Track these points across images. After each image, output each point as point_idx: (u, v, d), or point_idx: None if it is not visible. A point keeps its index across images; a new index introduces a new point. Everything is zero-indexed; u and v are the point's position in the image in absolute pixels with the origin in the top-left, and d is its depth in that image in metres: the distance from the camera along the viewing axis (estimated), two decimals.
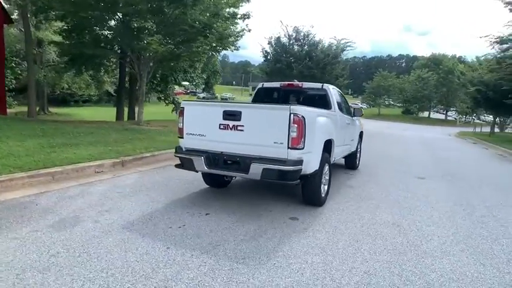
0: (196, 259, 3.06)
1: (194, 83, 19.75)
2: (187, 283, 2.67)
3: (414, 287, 2.83)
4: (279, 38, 26.13)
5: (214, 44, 11.19)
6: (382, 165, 8.66)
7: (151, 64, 11.28)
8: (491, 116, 29.85)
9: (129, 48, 10.67)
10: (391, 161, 9.63)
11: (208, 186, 5.51)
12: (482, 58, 24.56)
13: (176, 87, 23.80)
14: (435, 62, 50.86)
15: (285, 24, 30.09)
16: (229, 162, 4.25)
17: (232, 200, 4.91)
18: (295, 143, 3.89)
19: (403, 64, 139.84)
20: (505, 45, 16.51)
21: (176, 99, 19.32)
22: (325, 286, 2.75)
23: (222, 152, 4.27)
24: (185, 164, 4.47)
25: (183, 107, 4.54)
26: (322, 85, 6.02)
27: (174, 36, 10.41)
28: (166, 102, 19.34)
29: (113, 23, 11.74)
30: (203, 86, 18.96)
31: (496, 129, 27.04)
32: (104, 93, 37.69)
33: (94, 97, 38.94)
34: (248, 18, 11.10)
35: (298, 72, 23.95)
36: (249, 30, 11.92)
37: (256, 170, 3.96)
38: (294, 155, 3.92)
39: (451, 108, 51.39)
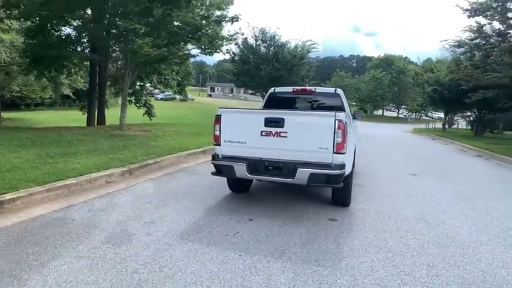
0: (275, 264, 3.16)
1: (165, 85, 19.22)
2: None
3: (474, 276, 3.15)
4: (246, 39, 26.34)
5: (204, 47, 11.09)
6: (372, 164, 9.18)
7: (133, 66, 10.91)
8: (438, 113, 32.74)
9: (118, 50, 10.25)
10: (376, 159, 10.22)
11: (230, 191, 5.55)
12: (436, 59, 26.93)
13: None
14: (387, 63, 54.20)
15: (252, 26, 30.38)
16: (270, 168, 4.35)
17: (263, 204, 5.01)
18: (340, 148, 4.11)
19: (354, 64, 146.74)
20: (461, 49, 18.17)
21: (148, 103, 18.75)
22: (405, 280, 2.99)
23: (262, 158, 4.36)
24: (224, 171, 4.50)
25: (220, 115, 4.56)
26: (335, 90, 6.29)
27: (162, 38, 10.17)
28: (138, 105, 18.67)
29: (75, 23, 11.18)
30: (175, 88, 18.35)
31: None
32: (58, 96, 35.30)
33: (47, 100, 36.34)
34: (237, 21, 11.15)
35: (267, 73, 24.34)
36: (242, 34, 11.96)
37: (302, 175, 4.11)
38: (339, 159, 4.13)
39: (402, 106, 55.05)
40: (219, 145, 4.59)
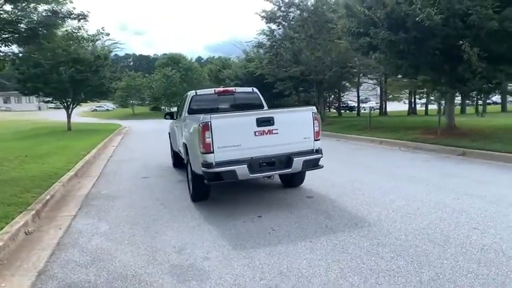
0: (359, 260, 3.71)
1: None
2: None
3: None
4: None
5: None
6: None
7: None
8: None
9: None
10: None
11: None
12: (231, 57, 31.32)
13: None
14: (174, 61, 56.70)
15: None
16: (268, 163, 4.73)
17: (245, 200, 5.29)
18: (318, 135, 5.01)
19: (131, 63, 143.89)
20: (261, 50, 22.03)
21: None
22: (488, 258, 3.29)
23: (259, 156, 4.67)
24: (225, 176, 4.49)
25: (209, 121, 4.45)
26: (252, 89, 6.96)
27: None
28: None
29: None
30: None
31: None
32: None
33: None
34: (84, 19, 9.29)
35: (68, 77, 20.90)
36: (108, 34, 9.87)
37: (298, 164, 4.77)
38: (317, 145, 5.02)
39: None
40: (212, 152, 4.50)
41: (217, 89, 6.77)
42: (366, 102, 47.61)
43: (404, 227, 4.04)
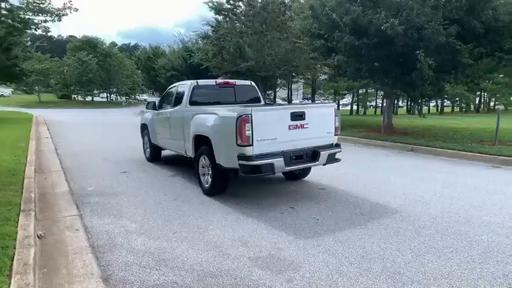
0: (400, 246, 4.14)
1: None
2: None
3: None
4: None
5: None
6: None
7: None
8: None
9: None
10: None
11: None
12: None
13: None
14: (90, 45, 51.36)
15: None
16: (299, 157, 4.87)
17: (259, 193, 5.35)
18: (337, 130, 5.32)
19: (47, 46, 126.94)
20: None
21: None
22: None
23: (293, 150, 4.79)
24: (264, 169, 4.50)
25: (250, 114, 4.40)
26: (251, 83, 6.94)
27: None
28: None
29: None
30: None
31: None
32: None
33: None
34: None
35: None
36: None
37: (323, 157, 5.03)
38: (336, 139, 5.33)
39: (113, 90, 54.99)
40: (251, 145, 4.46)
41: (218, 81, 6.58)
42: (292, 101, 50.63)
43: (427, 212, 4.61)
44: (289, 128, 4.77)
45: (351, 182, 6.12)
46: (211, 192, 5.27)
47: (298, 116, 4.83)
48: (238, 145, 4.48)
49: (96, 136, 13.49)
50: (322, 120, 5.15)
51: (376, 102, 38.69)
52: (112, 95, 56.98)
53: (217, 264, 3.23)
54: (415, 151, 9.83)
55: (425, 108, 36.06)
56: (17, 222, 3.88)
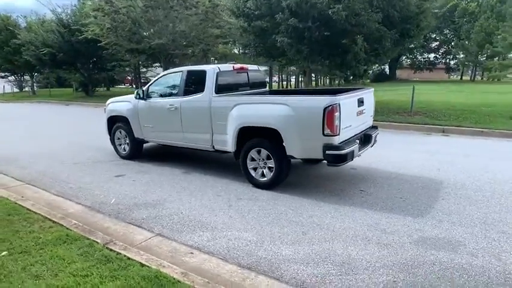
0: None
1: None
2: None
3: None
4: None
5: None
6: None
7: None
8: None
9: None
10: None
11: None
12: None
13: None
14: None
15: None
16: (362, 140, 5.11)
17: (315, 178, 5.45)
18: (373, 115, 5.77)
19: None
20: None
21: None
22: None
23: (355, 135, 5.00)
24: (348, 157, 4.57)
25: (338, 103, 4.37)
26: (258, 67, 6.62)
27: None
28: None
29: None
30: None
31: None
32: None
33: None
34: None
35: None
36: None
37: (373, 139, 5.43)
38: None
39: None
40: (338, 135, 4.46)
41: (235, 66, 6.01)
42: None
43: (490, 189, 5.06)
44: (357, 114, 4.95)
45: (379, 165, 6.69)
46: (273, 184, 5.03)
47: (361, 102, 5.05)
48: (325, 135, 4.41)
49: (38, 134, 10.44)
50: (369, 104, 5.49)
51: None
52: None
53: (392, 255, 3.30)
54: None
55: None
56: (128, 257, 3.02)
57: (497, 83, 35.10)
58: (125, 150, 7.08)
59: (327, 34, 11.09)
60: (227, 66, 5.91)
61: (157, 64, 27.59)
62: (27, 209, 4.22)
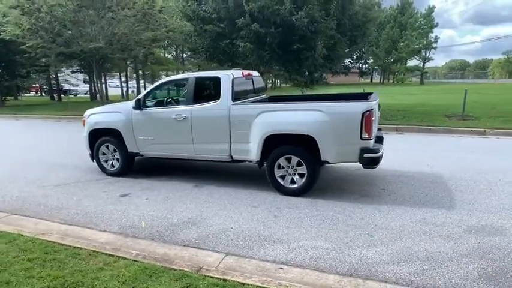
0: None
1: None
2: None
3: None
4: None
5: None
6: None
7: None
8: None
9: None
10: None
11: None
12: None
13: None
14: None
15: None
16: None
17: (333, 180, 5.64)
18: None
19: None
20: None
21: None
22: None
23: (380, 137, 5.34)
24: (380, 160, 4.85)
25: (373, 108, 4.62)
26: (258, 73, 6.55)
27: None
28: None
29: None
30: None
31: None
32: None
33: None
34: None
35: None
36: None
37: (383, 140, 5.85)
38: None
39: None
40: (372, 138, 4.72)
41: (244, 72, 5.82)
42: (78, 85, 44.74)
43: (483, 179, 5.93)
44: (378, 118, 5.28)
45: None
46: (304, 190, 5.06)
47: (379, 106, 5.39)
48: (362, 139, 4.62)
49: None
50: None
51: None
52: None
53: (461, 245, 3.62)
54: None
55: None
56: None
57: (403, 85, 40.37)
58: (113, 166, 6.35)
59: (288, 40, 11.47)
60: (238, 73, 5.75)
61: (76, 68, 25.06)
62: (59, 243, 3.54)
